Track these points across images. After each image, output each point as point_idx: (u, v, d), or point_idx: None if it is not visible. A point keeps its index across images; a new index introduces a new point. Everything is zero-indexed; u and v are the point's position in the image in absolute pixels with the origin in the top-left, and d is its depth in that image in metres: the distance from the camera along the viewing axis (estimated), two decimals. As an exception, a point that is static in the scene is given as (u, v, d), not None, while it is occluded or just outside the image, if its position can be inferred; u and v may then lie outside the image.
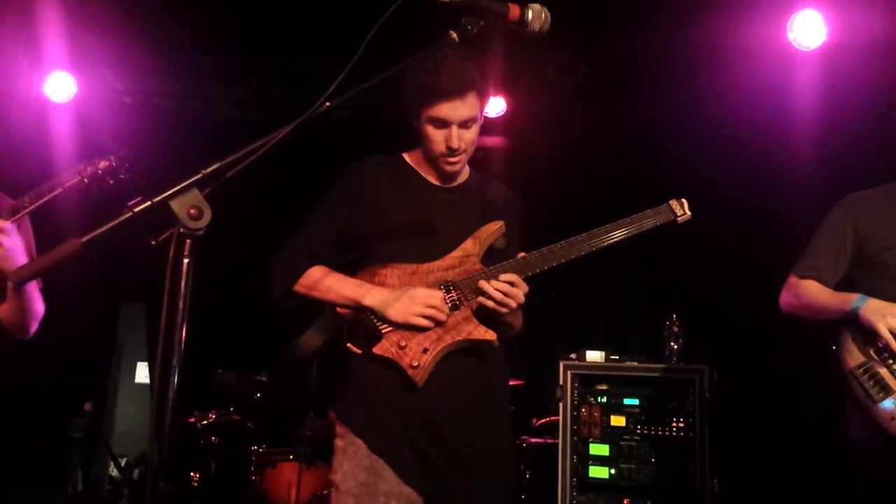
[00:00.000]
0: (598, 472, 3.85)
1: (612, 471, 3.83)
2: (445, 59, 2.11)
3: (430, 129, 2.21)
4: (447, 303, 2.15)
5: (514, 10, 1.74)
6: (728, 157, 4.37)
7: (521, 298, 2.15)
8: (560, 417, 3.92)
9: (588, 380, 3.95)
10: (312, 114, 1.57)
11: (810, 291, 2.61)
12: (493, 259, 2.25)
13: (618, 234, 2.22)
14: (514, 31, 1.80)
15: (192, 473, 4.41)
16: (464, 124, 2.20)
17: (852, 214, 2.62)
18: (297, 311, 2.25)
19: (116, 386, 7.08)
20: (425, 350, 2.11)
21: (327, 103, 1.58)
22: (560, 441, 3.89)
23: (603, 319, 5.10)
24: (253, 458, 4.22)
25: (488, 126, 5.58)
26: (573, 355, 4.01)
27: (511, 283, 2.13)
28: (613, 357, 3.98)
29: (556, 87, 5.00)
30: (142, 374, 7.54)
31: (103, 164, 2.53)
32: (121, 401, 7.25)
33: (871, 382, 2.41)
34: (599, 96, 4.97)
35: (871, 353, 2.45)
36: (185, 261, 1.37)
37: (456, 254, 2.22)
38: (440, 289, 2.17)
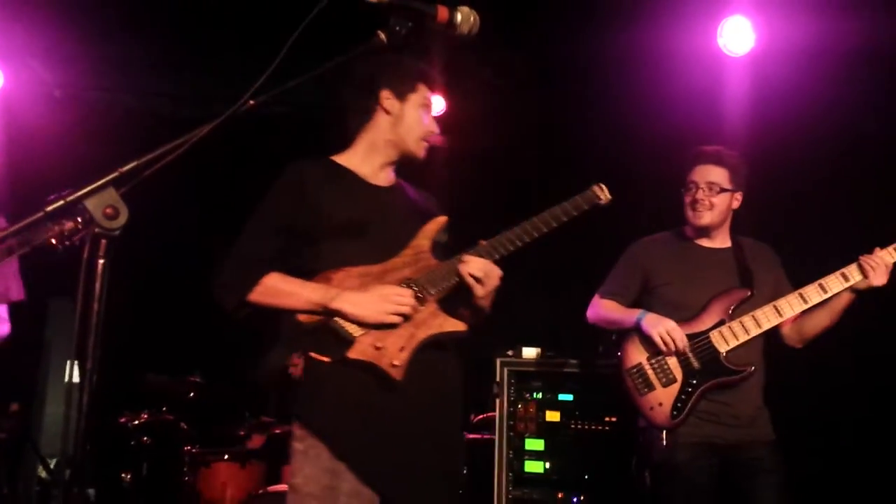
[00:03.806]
0: (534, 466, 3.90)
1: (547, 465, 3.89)
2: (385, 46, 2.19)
3: (418, 112, 2.35)
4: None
5: (443, 13, 1.75)
6: (660, 158, 4.46)
7: (497, 280, 2.24)
8: (496, 413, 3.96)
9: (524, 376, 4.00)
10: (236, 111, 1.55)
11: (608, 308, 3.18)
12: (438, 253, 2.28)
13: (558, 220, 2.31)
14: (444, 34, 1.81)
15: (122, 474, 4.33)
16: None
17: (642, 253, 3.23)
18: (251, 319, 2.20)
19: (45, 385, 6.87)
20: (402, 348, 2.13)
21: (251, 101, 1.56)
22: (496, 436, 3.94)
23: (539, 316, 5.16)
24: (186, 458, 4.16)
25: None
26: (510, 352, 4.06)
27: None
28: (549, 354, 4.04)
29: (495, 87, 5.03)
30: (74, 373, 7.33)
31: (69, 224, 2.45)
32: (50, 400, 7.03)
33: (639, 380, 3.01)
34: (536, 96, 5.02)
35: (645, 357, 3.02)
36: (101, 261, 1.34)
37: (408, 252, 2.24)
38: (403, 286, 2.18)
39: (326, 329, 2.14)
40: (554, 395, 3.95)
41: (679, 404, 2.94)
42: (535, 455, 3.91)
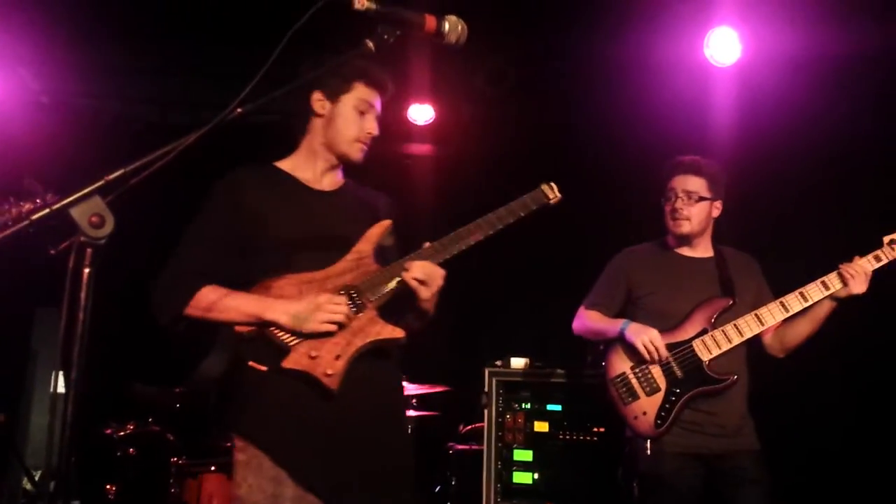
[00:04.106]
0: (522, 477, 3.88)
1: (536, 476, 3.87)
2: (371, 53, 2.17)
3: (353, 113, 2.26)
4: (351, 306, 2.14)
5: (431, 22, 1.76)
6: (647, 168, 4.48)
7: (441, 280, 2.20)
8: (485, 424, 3.94)
9: (513, 386, 3.98)
10: (223, 119, 1.54)
11: (593, 319, 3.21)
12: (384, 257, 2.26)
13: (504, 220, 2.29)
14: (433, 42, 1.81)
15: (108, 486, 4.28)
16: (377, 116, 2.31)
17: (626, 264, 3.26)
18: (190, 333, 2.19)
19: (31, 396, 6.81)
20: (338, 357, 2.10)
21: (239, 110, 1.56)
22: (485, 447, 3.92)
23: (528, 326, 5.16)
24: (173, 470, 4.12)
25: (416, 133, 5.66)
26: (498, 362, 4.05)
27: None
28: (537, 364, 4.03)
29: (484, 96, 5.05)
30: (61, 383, 7.23)
31: (27, 206, 2.41)
32: (36, 411, 6.97)
33: (623, 389, 3.03)
34: (526, 105, 5.03)
35: (629, 366, 3.04)
36: (86, 270, 1.33)
37: (350, 257, 2.21)
38: (342, 293, 2.15)
39: (263, 338, 2.12)
40: (542, 405, 3.93)
41: (663, 413, 2.96)
42: (524, 466, 3.89)
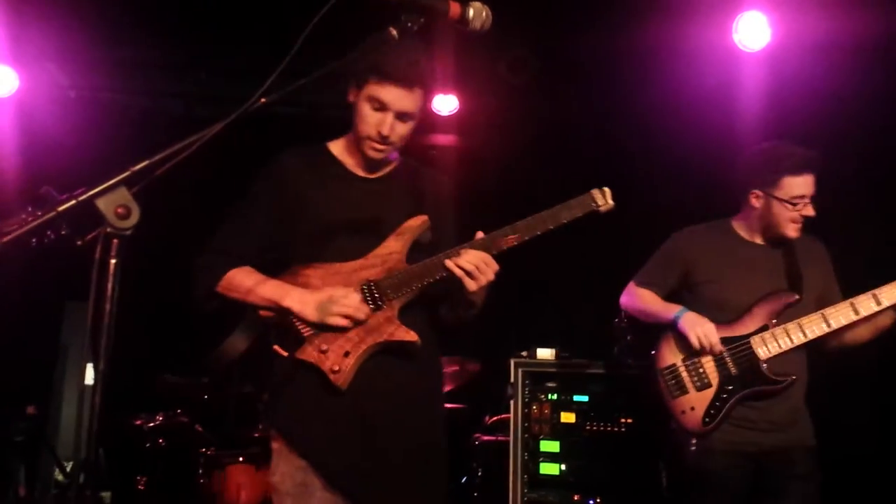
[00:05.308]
0: (549, 468, 3.86)
1: (563, 467, 3.85)
2: (404, 46, 2.04)
3: (367, 109, 2.15)
4: (369, 303, 2.11)
5: (455, 8, 1.73)
6: (676, 155, 4.43)
7: (492, 275, 2.09)
8: (511, 415, 3.93)
9: (539, 377, 3.96)
10: (247, 110, 1.53)
11: (645, 298, 3.04)
12: (420, 254, 2.19)
13: (546, 224, 2.14)
14: (457, 29, 1.79)
15: (137, 477, 4.33)
16: (401, 116, 2.15)
17: (685, 245, 3.06)
18: (219, 312, 2.21)
19: (62, 388, 6.91)
20: (346, 353, 2.08)
21: (262, 99, 1.55)
22: (511, 438, 3.90)
23: (557, 317, 5.13)
24: (201, 461, 4.15)
25: (441, 124, 5.63)
26: (524, 353, 4.03)
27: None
28: (564, 354, 4.00)
29: (508, 85, 5.01)
30: (90, 375, 7.31)
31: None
32: (67, 403, 7.07)
33: (672, 382, 2.89)
34: (551, 94, 4.99)
35: (680, 357, 2.89)
36: (112, 261, 1.33)
37: (379, 251, 2.17)
38: (363, 288, 2.12)
39: (284, 325, 2.12)
40: (569, 396, 3.91)
41: (712, 411, 2.80)
42: (551, 457, 3.87)
